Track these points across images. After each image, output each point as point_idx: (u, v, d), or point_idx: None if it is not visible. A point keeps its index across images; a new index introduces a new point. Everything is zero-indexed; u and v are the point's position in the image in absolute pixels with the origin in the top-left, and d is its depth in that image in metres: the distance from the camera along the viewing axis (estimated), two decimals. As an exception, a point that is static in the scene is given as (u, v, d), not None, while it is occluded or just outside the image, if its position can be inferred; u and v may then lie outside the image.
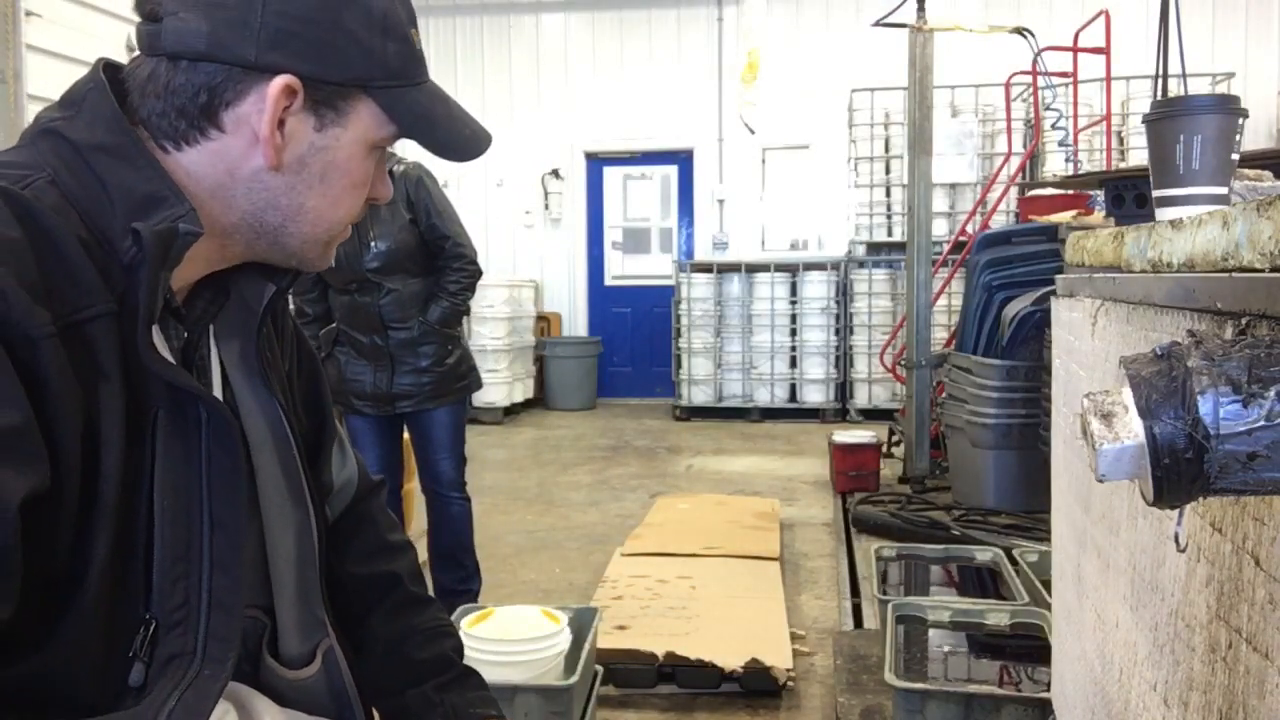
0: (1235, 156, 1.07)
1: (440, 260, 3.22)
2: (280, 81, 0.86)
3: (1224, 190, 1.05)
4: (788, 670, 2.81)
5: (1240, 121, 1.07)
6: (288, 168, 0.90)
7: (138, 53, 0.90)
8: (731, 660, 2.80)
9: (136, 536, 0.82)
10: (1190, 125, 1.04)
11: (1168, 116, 1.06)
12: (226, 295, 0.98)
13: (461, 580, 3.38)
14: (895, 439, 6.05)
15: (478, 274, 3.28)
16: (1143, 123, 1.10)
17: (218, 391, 0.97)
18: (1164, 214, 1.04)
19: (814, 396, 8.35)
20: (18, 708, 0.77)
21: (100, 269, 0.80)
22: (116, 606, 0.81)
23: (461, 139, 0.97)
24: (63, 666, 0.79)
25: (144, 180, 0.84)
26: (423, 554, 3.57)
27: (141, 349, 0.80)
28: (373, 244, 3.11)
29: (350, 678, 1.07)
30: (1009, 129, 6.80)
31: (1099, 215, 4.33)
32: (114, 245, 0.82)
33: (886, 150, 8.43)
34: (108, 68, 0.90)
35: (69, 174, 0.84)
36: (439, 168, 3.56)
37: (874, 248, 8.40)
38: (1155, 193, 1.07)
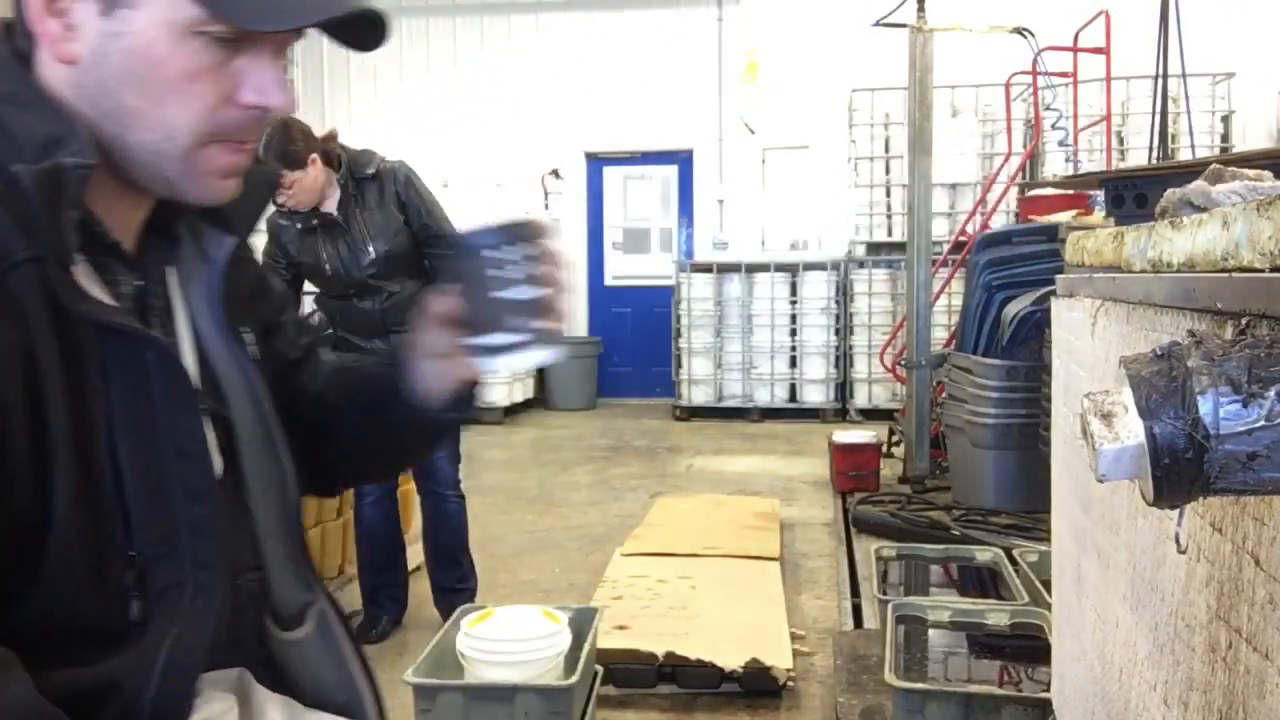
0: None
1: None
2: None
3: None
4: (788, 670, 2.81)
5: None
6: (90, 64, 0.83)
7: None
8: (731, 660, 2.80)
9: (102, 477, 0.82)
10: (458, 268, 1.02)
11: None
12: (177, 241, 0.95)
13: (460, 579, 3.37)
14: (895, 439, 6.05)
15: None
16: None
17: (186, 341, 0.96)
18: (483, 365, 1.03)
19: (814, 396, 8.35)
20: (27, 651, 0.78)
21: (19, 217, 0.79)
22: (98, 547, 0.82)
23: (280, 6, 0.84)
24: (59, 608, 0.80)
25: (41, 121, 0.82)
26: (419, 557, 3.57)
27: (59, 292, 0.79)
28: (369, 248, 3.09)
29: (347, 640, 1.06)
30: (1009, 129, 6.80)
31: (1099, 215, 4.33)
32: (20, 195, 0.79)
33: (886, 150, 8.43)
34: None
35: None
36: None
37: (874, 248, 8.40)
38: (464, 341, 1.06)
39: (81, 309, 0.81)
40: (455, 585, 3.36)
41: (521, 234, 0.96)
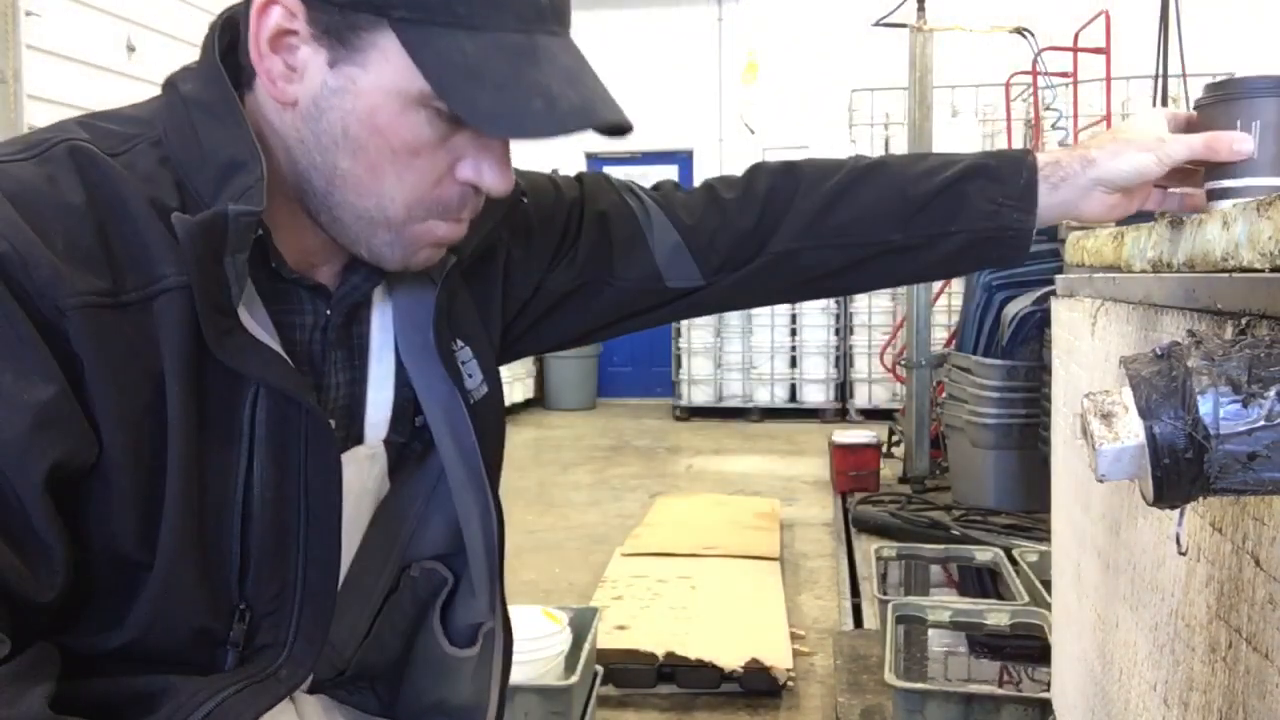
0: None
1: None
2: None
3: None
4: (788, 670, 2.80)
5: None
6: (306, 111, 0.77)
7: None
8: (731, 660, 2.80)
9: (226, 524, 0.79)
10: (1249, 110, 0.93)
11: (1223, 100, 0.96)
12: (380, 275, 0.88)
13: None
14: (895, 439, 6.05)
15: None
16: (1194, 108, 1.01)
17: (380, 373, 0.92)
18: (1219, 206, 0.93)
19: (814, 396, 8.35)
20: (89, 665, 0.77)
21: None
22: (206, 592, 0.79)
23: (523, 111, 0.73)
24: (148, 645, 0.78)
25: (230, 140, 0.77)
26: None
27: (210, 341, 0.74)
28: None
29: (499, 664, 1.04)
30: (1009, 129, 6.80)
31: (1099, 215, 4.32)
32: (203, 210, 0.74)
33: (886, 150, 8.43)
34: (234, 17, 0.82)
35: (176, 132, 0.78)
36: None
37: (874, 248, 8.39)
38: (1207, 185, 0.98)
39: (230, 360, 0.76)
40: None
41: None
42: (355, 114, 0.75)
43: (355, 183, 0.78)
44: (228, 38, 0.82)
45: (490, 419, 0.99)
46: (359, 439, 0.93)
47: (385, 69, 0.74)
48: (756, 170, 1.09)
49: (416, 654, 1.02)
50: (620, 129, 0.78)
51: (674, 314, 1.10)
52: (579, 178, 1.10)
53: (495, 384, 1.00)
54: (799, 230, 1.04)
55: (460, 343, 0.96)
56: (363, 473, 0.93)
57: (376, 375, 0.93)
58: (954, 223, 1.01)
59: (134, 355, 0.73)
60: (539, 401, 9.00)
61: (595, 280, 1.06)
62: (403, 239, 0.82)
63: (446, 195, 0.81)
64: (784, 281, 1.07)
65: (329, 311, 0.87)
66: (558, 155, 9.47)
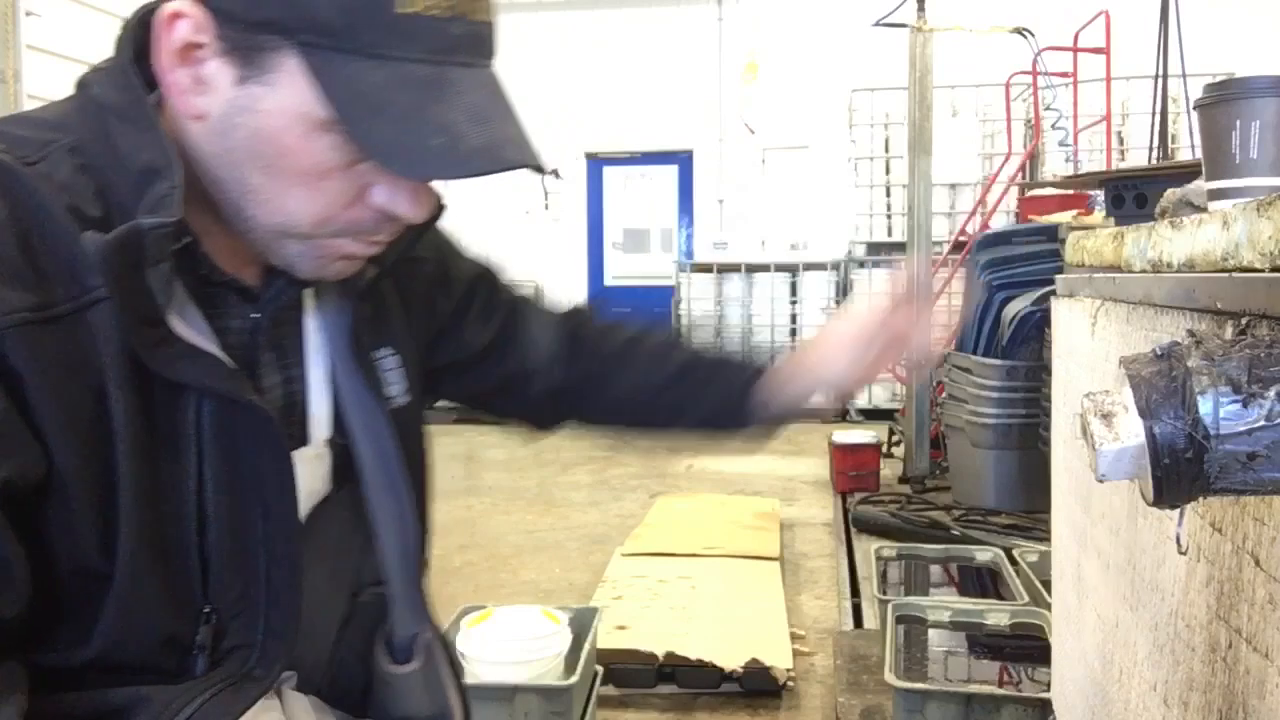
0: None
1: None
2: (171, 6, 0.73)
3: None
4: (788, 670, 2.80)
5: None
6: (215, 126, 0.76)
7: None
8: (731, 660, 2.80)
9: (183, 528, 0.79)
10: (1249, 110, 0.94)
11: (1222, 100, 0.97)
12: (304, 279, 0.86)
13: None
14: (895, 439, 6.05)
15: None
16: (1194, 108, 1.02)
17: (315, 374, 0.92)
18: (1218, 207, 0.94)
19: (814, 396, 8.35)
20: (65, 678, 0.76)
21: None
22: (170, 598, 0.79)
23: (422, 148, 0.73)
24: (118, 657, 0.77)
25: (144, 146, 0.76)
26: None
27: (141, 353, 0.74)
28: None
29: (447, 671, 1.05)
30: (1009, 129, 6.80)
31: (1099, 215, 4.33)
32: (128, 219, 0.72)
33: (886, 150, 8.43)
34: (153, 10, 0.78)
35: (92, 139, 0.77)
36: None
37: (874, 248, 8.40)
38: (1209, 185, 0.97)
39: (164, 370, 0.75)
40: None
41: None
42: (262, 133, 0.75)
43: (265, 198, 0.77)
44: (142, 36, 0.80)
45: (411, 425, 1.00)
46: (303, 439, 0.93)
47: (290, 92, 0.73)
48: (577, 318, 1.26)
49: (375, 677, 1.03)
50: (534, 170, 0.80)
51: (532, 414, 1.22)
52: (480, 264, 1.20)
53: (418, 393, 1.02)
54: (587, 395, 1.20)
55: (387, 349, 0.98)
56: (312, 473, 0.93)
57: (315, 377, 0.93)
58: (689, 406, 1.21)
59: (72, 369, 0.72)
60: (539, 401, 8.99)
61: (494, 355, 1.13)
62: (313, 251, 0.81)
63: (360, 218, 0.80)
64: (601, 429, 1.26)
65: (257, 315, 0.87)
66: (558, 155, 9.48)
